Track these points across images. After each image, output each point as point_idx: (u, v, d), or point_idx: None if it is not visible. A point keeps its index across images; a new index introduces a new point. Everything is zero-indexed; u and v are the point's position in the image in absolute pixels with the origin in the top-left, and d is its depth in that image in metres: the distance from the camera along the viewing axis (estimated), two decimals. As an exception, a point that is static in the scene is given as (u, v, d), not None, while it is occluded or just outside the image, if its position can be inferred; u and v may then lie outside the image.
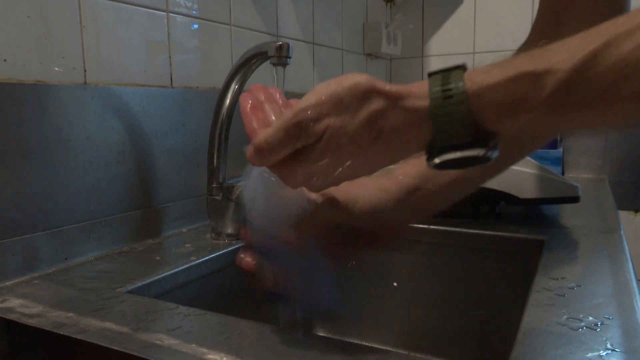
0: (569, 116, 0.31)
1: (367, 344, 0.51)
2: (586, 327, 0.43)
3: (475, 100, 0.32)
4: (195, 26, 0.84)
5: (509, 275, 0.75)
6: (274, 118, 0.39)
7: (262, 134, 0.35)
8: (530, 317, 0.45)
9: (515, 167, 0.80)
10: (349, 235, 0.46)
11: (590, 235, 0.72)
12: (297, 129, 0.34)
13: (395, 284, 0.84)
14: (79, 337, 0.43)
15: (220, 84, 0.75)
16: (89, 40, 0.66)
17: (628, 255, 0.62)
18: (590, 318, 0.45)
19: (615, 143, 1.34)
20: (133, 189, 0.72)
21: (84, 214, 0.65)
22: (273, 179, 0.40)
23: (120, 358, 0.40)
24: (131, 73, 0.72)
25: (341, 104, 0.34)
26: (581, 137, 1.34)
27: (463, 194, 0.49)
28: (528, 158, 0.81)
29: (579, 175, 1.36)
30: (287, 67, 0.66)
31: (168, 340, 0.42)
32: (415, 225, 0.81)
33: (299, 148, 0.35)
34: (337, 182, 0.37)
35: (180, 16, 0.80)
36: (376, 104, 0.34)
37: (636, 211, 1.35)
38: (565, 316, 0.45)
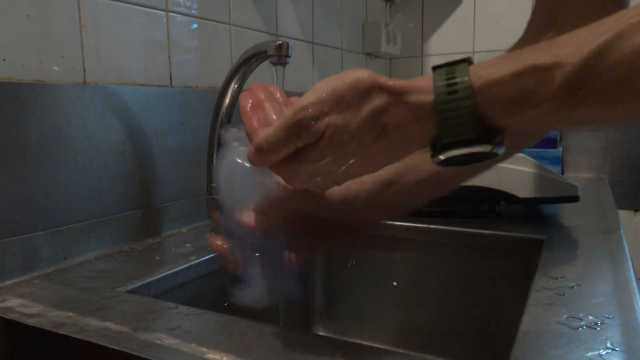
0: (578, 111, 0.30)
1: (367, 343, 0.51)
2: (586, 327, 0.43)
3: (481, 95, 0.30)
4: (195, 26, 0.84)
5: (508, 274, 0.75)
6: (274, 117, 0.38)
7: (262, 134, 0.34)
8: (530, 316, 0.45)
9: (515, 167, 0.80)
10: (315, 225, 0.44)
11: (590, 235, 0.72)
12: (298, 128, 0.33)
13: (395, 283, 0.84)
14: (78, 336, 0.43)
15: (219, 83, 0.75)
16: (88, 40, 0.66)
17: (628, 254, 0.62)
18: (590, 317, 0.45)
19: (615, 143, 1.34)
20: (133, 188, 0.72)
21: (83, 213, 0.65)
22: (246, 164, 0.40)
23: (120, 357, 0.40)
24: (131, 72, 0.72)
25: (342, 100, 0.33)
26: (585, 132, 1.33)
27: (443, 191, 0.46)
28: (528, 157, 0.81)
29: (578, 175, 1.36)
30: (287, 66, 0.66)
31: (168, 340, 0.42)
32: (415, 225, 0.81)
33: (300, 147, 0.34)
34: (340, 181, 0.37)
35: (180, 16, 0.80)
36: (379, 100, 0.33)
37: (636, 210, 1.35)
38: (565, 315, 0.45)
